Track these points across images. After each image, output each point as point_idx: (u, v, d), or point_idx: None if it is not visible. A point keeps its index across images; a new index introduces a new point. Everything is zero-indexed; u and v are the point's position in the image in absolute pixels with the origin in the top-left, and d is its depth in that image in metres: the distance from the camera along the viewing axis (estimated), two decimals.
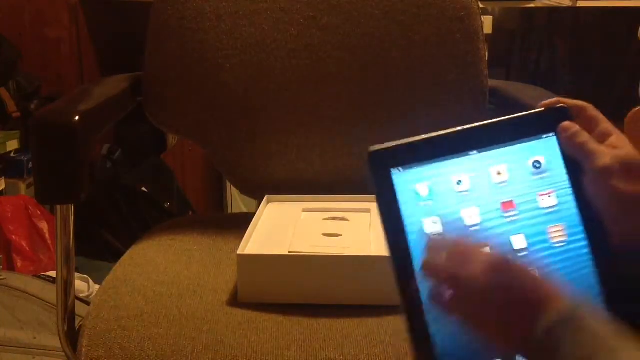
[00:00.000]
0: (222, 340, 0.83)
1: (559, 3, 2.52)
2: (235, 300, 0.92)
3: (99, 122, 1.04)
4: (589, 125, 0.61)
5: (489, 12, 2.72)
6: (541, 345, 0.49)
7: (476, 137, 0.59)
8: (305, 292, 0.91)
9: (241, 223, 1.13)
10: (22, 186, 2.33)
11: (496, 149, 0.59)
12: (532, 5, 2.56)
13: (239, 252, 0.93)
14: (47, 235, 2.21)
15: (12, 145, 2.34)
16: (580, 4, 2.55)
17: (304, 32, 1.19)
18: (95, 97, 1.05)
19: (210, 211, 2.78)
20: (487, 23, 2.47)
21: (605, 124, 0.61)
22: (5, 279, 1.73)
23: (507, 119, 0.60)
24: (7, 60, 2.33)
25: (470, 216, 0.58)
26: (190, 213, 2.61)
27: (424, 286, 0.56)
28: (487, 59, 1.22)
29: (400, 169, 0.58)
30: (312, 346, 0.83)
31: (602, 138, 0.60)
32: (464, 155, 0.59)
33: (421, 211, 0.58)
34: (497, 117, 0.60)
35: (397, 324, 0.86)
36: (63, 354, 0.95)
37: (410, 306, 0.57)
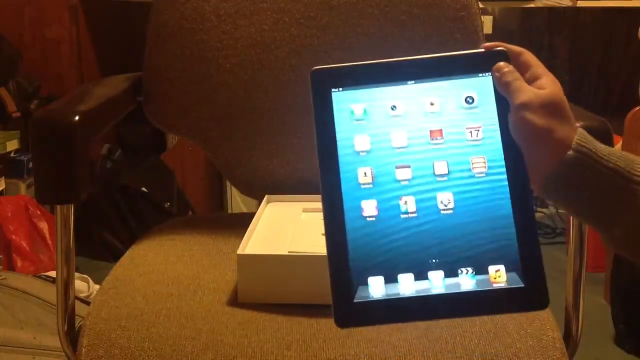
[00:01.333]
0: (222, 340, 0.83)
1: (559, 3, 2.52)
2: (235, 300, 0.92)
3: (99, 122, 1.04)
4: (524, 69, 0.66)
5: (489, 12, 2.72)
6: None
7: (416, 68, 0.64)
8: (305, 292, 0.91)
9: (241, 223, 1.13)
10: (22, 186, 2.34)
11: (433, 81, 0.64)
12: (532, 5, 2.56)
13: (238, 252, 0.93)
14: (47, 235, 2.21)
15: (12, 145, 2.35)
16: (580, 4, 2.55)
17: (304, 32, 1.19)
18: (95, 97, 1.05)
19: (210, 211, 2.78)
20: (487, 23, 2.47)
21: (537, 68, 0.66)
22: (5, 279, 1.73)
23: (448, 55, 0.65)
24: (7, 60, 2.33)
25: (399, 138, 0.62)
26: (190, 213, 2.61)
27: (349, 197, 0.61)
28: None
29: (340, 89, 0.63)
30: (312, 346, 0.83)
31: (532, 80, 0.65)
32: (402, 84, 0.64)
33: (354, 128, 0.62)
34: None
35: (397, 324, 0.86)
36: (63, 354, 0.95)
37: (332, 214, 0.60)
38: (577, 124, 0.65)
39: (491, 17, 2.55)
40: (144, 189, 2.48)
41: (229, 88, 1.19)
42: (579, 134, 0.63)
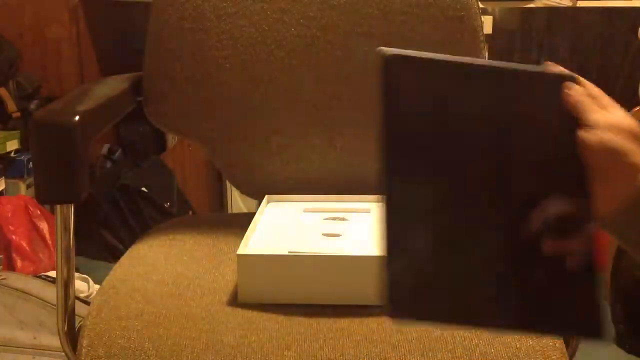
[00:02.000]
0: (222, 340, 0.83)
1: (559, 3, 2.52)
2: (235, 300, 0.92)
3: (99, 122, 1.04)
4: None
5: (489, 12, 2.72)
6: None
7: (485, 72, 0.63)
8: (305, 292, 0.91)
9: (241, 223, 1.13)
10: (22, 186, 2.34)
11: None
12: (532, 5, 2.56)
13: (238, 252, 0.93)
14: (47, 235, 2.21)
15: (12, 145, 2.34)
16: (580, 4, 2.55)
17: (304, 32, 1.19)
18: (95, 97, 1.05)
19: (210, 211, 2.78)
20: (487, 23, 2.47)
21: (604, 98, 0.65)
22: (5, 279, 1.73)
23: (518, 66, 0.64)
24: (7, 60, 2.33)
25: None
26: (190, 213, 2.61)
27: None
28: (487, 59, 1.22)
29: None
30: (312, 346, 0.83)
31: (601, 108, 0.65)
32: None
33: None
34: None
35: (397, 324, 0.86)
36: (63, 354, 0.95)
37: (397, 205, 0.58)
38: None
39: (491, 17, 2.55)
40: (144, 189, 2.48)
41: (228, 88, 1.19)
42: None
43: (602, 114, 0.62)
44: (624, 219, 0.60)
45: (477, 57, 1.18)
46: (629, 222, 0.60)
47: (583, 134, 0.61)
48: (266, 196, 1.17)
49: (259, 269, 0.92)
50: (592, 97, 0.64)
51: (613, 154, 0.60)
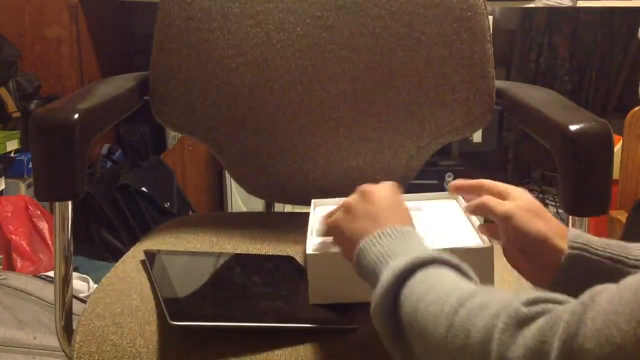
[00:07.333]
0: None
1: (559, 3, 2.52)
2: None
3: (101, 120, 1.04)
4: (489, 193, 0.75)
5: (489, 12, 2.72)
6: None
7: None
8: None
9: (242, 223, 1.13)
10: (22, 186, 2.33)
11: None
12: (532, 5, 2.56)
13: (308, 252, 0.87)
14: (47, 235, 2.20)
15: (12, 145, 2.34)
16: (580, 4, 2.55)
17: (310, 32, 1.19)
18: (98, 96, 1.05)
19: (210, 211, 2.78)
20: None
21: (502, 187, 0.75)
22: (5, 278, 1.73)
23: None
24: (7, 60, 2.32)
25: None
26: (190, 213, 2.61)
27: None
28: None
29: None
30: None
31: (503, 196, 0.74)
32: None
33: None
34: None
35: None
36: (63, 354, 0.95)
37: None
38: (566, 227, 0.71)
39: (491, 17, 2.56)
40: (144, 189, 2.48)
41: (234, 87, 1.19)
42: (570, 232, 0.68)
43: (505, 205, 0.71)
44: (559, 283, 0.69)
45: (484, 56, 1.19)
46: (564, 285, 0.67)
47: (499, 227, 0.71)
48: (313, 201, 1.10)
49: (330, 269, 0.86)
50: (491, 191, 0.75)
51: (531, 240, 0.70)
